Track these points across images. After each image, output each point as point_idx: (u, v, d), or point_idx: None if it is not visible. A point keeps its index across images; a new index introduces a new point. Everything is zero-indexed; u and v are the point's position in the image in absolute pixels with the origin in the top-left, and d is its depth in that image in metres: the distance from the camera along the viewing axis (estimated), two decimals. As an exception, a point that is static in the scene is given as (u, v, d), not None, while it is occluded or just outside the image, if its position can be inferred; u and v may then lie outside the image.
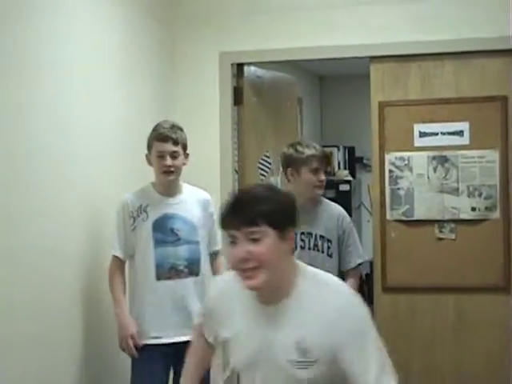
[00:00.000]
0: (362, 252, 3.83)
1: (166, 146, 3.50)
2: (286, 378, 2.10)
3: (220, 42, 4.67)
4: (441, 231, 4.47)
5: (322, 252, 3.75)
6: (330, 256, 3.75)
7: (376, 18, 4.48)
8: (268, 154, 5.05)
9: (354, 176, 8.05)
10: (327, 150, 6.40)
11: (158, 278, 3.48)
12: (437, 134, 4.47)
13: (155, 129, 3.57)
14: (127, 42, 4.10)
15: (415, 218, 4.48)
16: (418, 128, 4.48)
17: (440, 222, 4.46)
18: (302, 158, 3.74)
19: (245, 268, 2.04)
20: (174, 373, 3.51)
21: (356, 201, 7.89)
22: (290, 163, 3.78)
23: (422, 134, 4.48)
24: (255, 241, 2.03)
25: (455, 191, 4.44)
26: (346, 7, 4.53)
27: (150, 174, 3.61)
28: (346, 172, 7.95)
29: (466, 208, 4.42)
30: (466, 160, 4.43)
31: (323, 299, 2.08)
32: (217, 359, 2.65)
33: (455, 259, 4.42)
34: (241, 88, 4.76)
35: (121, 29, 4.03)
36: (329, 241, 3.75)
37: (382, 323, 4.48)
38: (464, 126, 4.44)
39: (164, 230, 3.51)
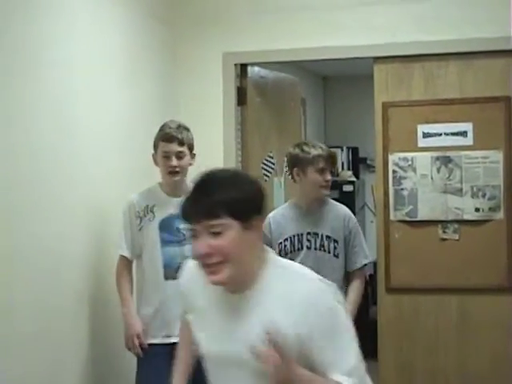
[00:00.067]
0: (368, 252, 3.82)
1: (171, 146, 3.49)
2: (249, 369, 1.93)
3: (223, 43, 4.67)
4: (444, 232, 4.46)
5: (329, 252, 3.73)
6: (336, 256, 3.74)
7: (380, 18, 4.49)
8: (271, 155, 5.05)
9: (357, 177, 8.03)
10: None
11: (166, 277, 3.48)
12: (440, 134, 4.46)
13: (161, 129, 3.56)
14: (129, 42, 4.11)
15: (419, 218, 4.48)
16: (421, 128, 4.48)
17: (444, 223, 4.45)
18: (308, 157, 3.72)
19: (208, 263, 1.89)
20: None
21: (359, 201, 7.87)
22: (296, 163, 3.76)
23: (426, 135, 4.47)
24: (217, 234, 1.87)
25: (459, 192, 4.44)
26: (349, 8, 4.53)
27: (153, 174, 3.62)
28: (350, 173, 7.93)
29: (469, 208, 4.42)
30: (469, 160, 4.42)
31: (290, 288, 1.93)
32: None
33: (459, 260, 4.42)
34: (244, 88, 4.77)
35: (123, 29, 4.03)
36: (335, 241, 3.74)
37: (386, 324, 4.49)
38: (468, 126, 4.43)
39: (170, 230, 3.51)
